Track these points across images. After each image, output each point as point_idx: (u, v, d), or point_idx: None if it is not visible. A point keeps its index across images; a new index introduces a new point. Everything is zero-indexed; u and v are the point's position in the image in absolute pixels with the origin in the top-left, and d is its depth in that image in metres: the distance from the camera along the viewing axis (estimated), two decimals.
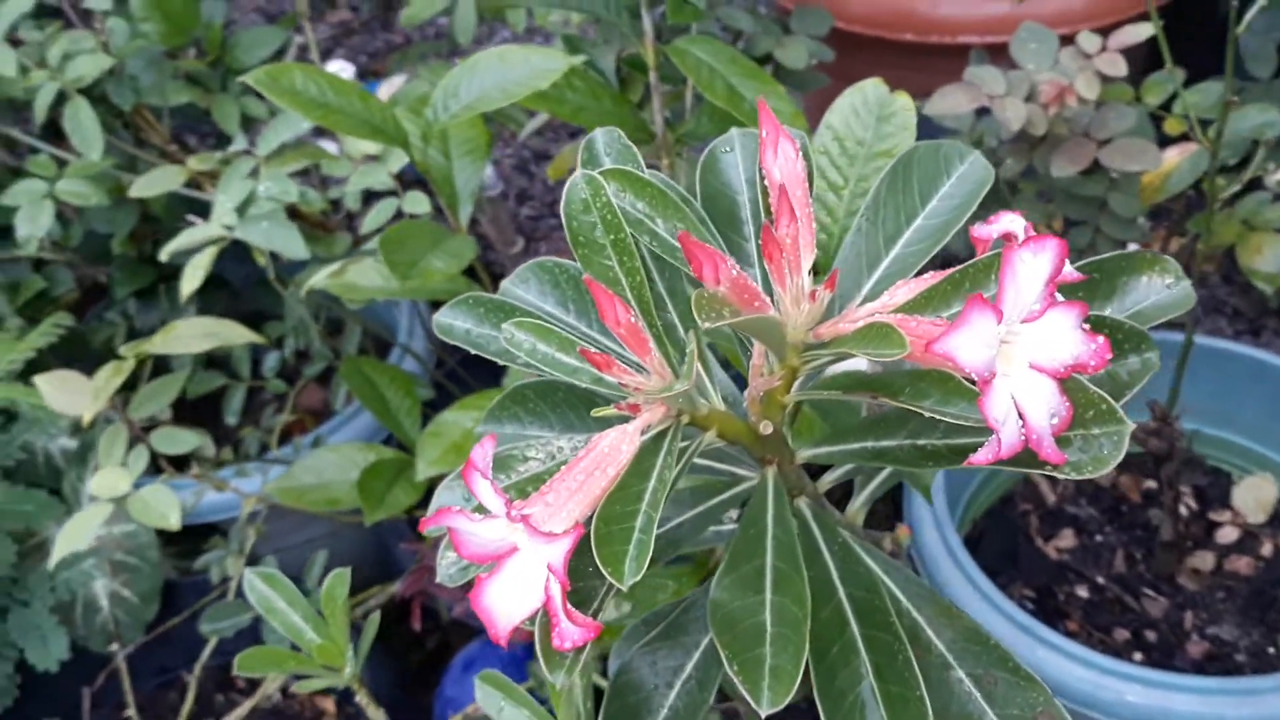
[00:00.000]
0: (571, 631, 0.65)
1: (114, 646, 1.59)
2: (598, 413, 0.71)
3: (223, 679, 1.67)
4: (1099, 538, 1.54)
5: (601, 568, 0.62)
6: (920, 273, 0.76)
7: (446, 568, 0.73)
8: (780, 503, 0.75)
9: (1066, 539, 1.54)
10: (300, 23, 1.77)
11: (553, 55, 1.09)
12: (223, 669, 1.66)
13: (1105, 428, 0.66)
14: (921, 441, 0.73)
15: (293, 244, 1.31)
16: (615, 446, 0.69)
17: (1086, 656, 1.25)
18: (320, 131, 1.67)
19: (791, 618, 0.67)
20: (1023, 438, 0.64)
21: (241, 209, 1.35)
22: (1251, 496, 1.61)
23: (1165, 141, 1.49)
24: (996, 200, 1.45)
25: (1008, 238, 0.73)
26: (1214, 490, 1.62)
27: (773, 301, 0.71)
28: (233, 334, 1.28)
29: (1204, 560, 1.61)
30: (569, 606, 0.65)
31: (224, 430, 1.76)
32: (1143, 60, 1.78)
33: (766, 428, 0.75)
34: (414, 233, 1.14)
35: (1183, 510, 1.57)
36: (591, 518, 0.66)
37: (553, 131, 2.60)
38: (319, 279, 1.28)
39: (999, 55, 1.53)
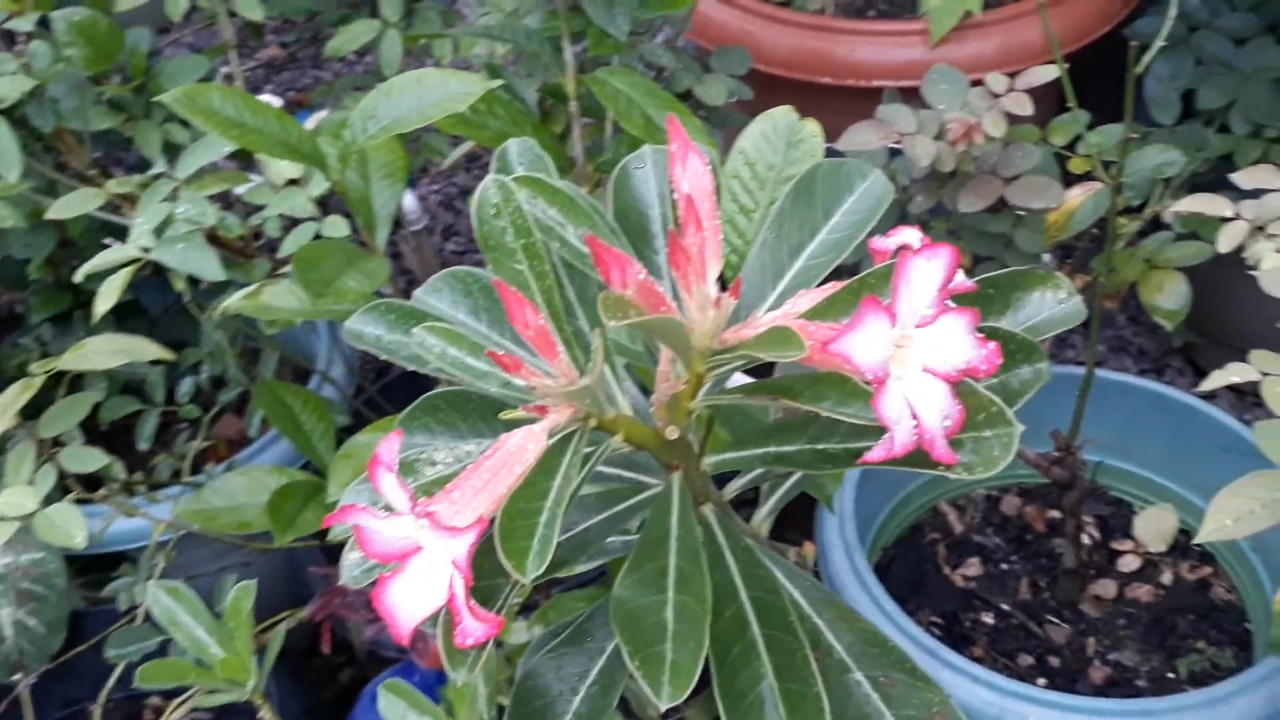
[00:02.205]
0: (474, 628, 0.66)
1: (17, 676, 1.56)
2: (506, 415, 0.72)
3: (131, 711, 1.64)
4: (1004, 566, 1.58)
5: (505, 561, 0.63)
6: (823, 283, 0.78)
7: (350, 568, 0.73)
8: (685, 506, 0.76)
9: (973, 567, 1.57)
10: (227, 54, 1.77)
11: (471, 79, 1.11)
12: (131, 700, 1.63)
13: (996, 429, 0.69)
14: (821, 445, 0.75)
15: (209, 267, 1.31)
16: (522, 446, 0.70)
17: (991, 680, 1.28)
18: (247, 165, 1.67)
19: (693, 615, 0.69)
20: (915, 437, 0.66)
21: (159, 231, 1.35)
22: (1152, 527, 1.65)
23: (1070, 180, 1.54)
24: (901, 220, 1.49)
25: (904, 248, 0.76)
26: (1116, 520, 1.66)
27: (679, 308, 0.73)
28: (144, 350, 1.28)
29: (1106, 588, 1.65)
30: (472, 602, 0.66)
31: (137, 458, 1.74)
32: (1053, 105, 1.83)
33: (673, 432, 0.77)
34: (329, 252, 1.15)
35: (1085, 539, 1.61)
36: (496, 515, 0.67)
37: (480, 169, 2.62)
38: (234, 301, 1.28)
39: (912, 97, 1.58)
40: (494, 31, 1.34)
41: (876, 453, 0.65)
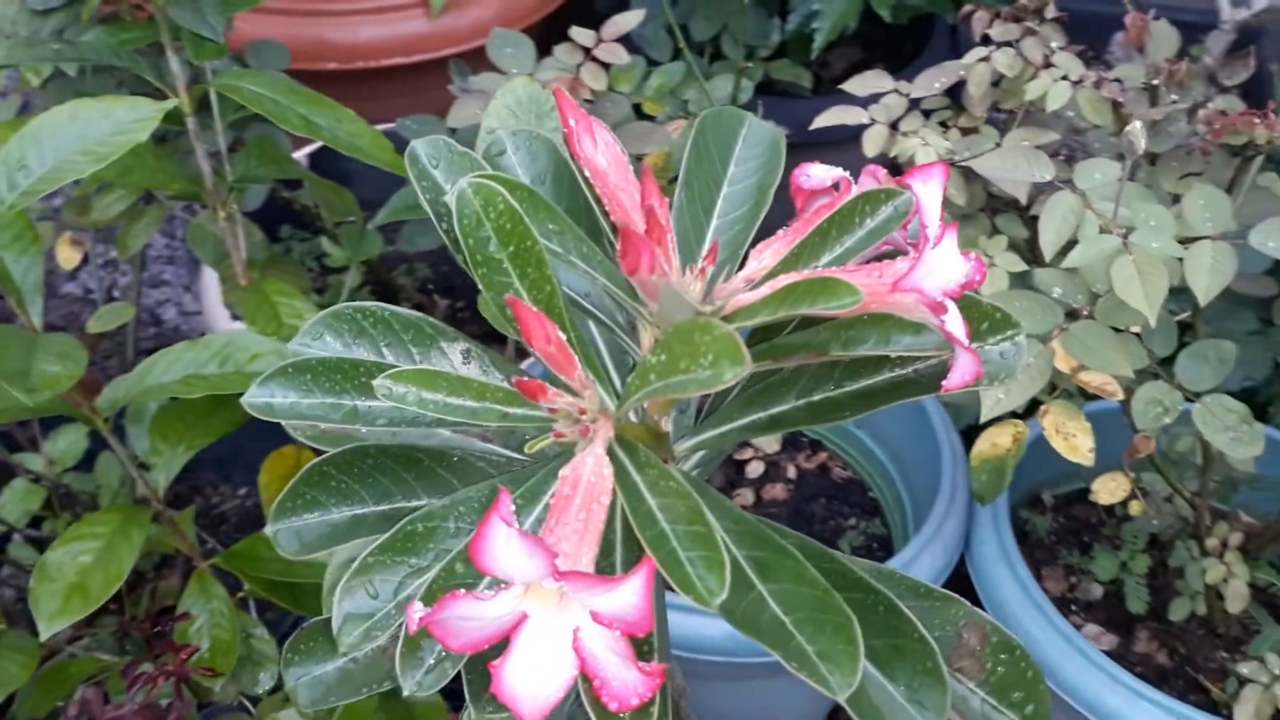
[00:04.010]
0: (633, 684, 0.57)
1: None
2: (533, 446, 0.63)
3: None
4: None
5: (684, 592, 0.55)
6: (758, 237, 0.75)
7: (420, 677, 0.60)
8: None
9: None
10: None
11: (139, 104, 0.93)
12: None
13: (1003, 334, 0.70)
14: (817, 397, 0.72)
15: None
16: (598, 474, 0.61)
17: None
18: None
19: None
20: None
21: None
22: None
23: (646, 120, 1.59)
24: None
25: (842, 183, 0.74)
26: None
27: None
28: None
29: (744, 497, 1.76)
30: (629, 655, 0.57)
31: None
32: None
33: (667, 425, 0.71)
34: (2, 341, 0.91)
35: None
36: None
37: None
38: None
39: (481, 65, 1.55)
40: (65, 53, 1.12)
41: (957, 378, 0.65)
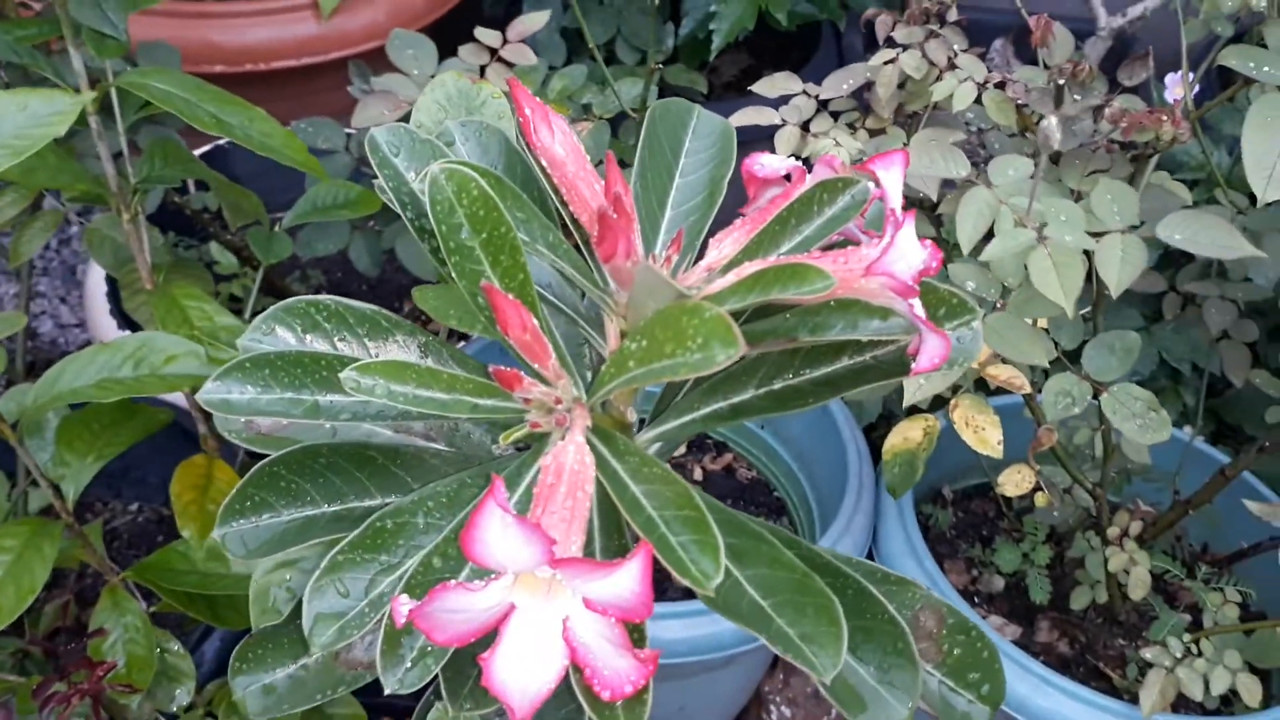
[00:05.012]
0: (625, 672, 0.56)
1: None
2: (509, 436, 0.62)
3: None
4: None
5: (680, 576, 0.55)
6: (716, 225, 0.75)
7: (401, 674, 0.59)
8: None
9: None
10: None
11: (57, 96, 0.88)
12: None
13: (960, 319, 0.71)
14: (777, 386, 0.73)
15: None
16: (580, 461, 0.61)
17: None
18: None
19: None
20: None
21: None
22: None
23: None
24: None
25: (795, 173, 0.75)
26: None
27: None
28: None
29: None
30: (625, 642, 0.56)
31: None
32: None
33: (631, 415, 0.71)
34: None
35: None
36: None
37: None
38: None
39: (382, 66, 1.52)
40: None
41: (926, 361, 0.65)
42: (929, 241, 0.69)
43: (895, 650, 0.68)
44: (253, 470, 0.72)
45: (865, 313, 0.66)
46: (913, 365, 0.66)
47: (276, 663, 0.75)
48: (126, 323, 1.55)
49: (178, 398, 1.36)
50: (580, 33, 1.99)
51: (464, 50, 1.46)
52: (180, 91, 1.08)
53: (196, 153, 1.70)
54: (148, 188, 1.16)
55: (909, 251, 0.64)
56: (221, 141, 1.76)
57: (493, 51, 1.45)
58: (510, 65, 1.45)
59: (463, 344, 1.53)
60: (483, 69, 1.44)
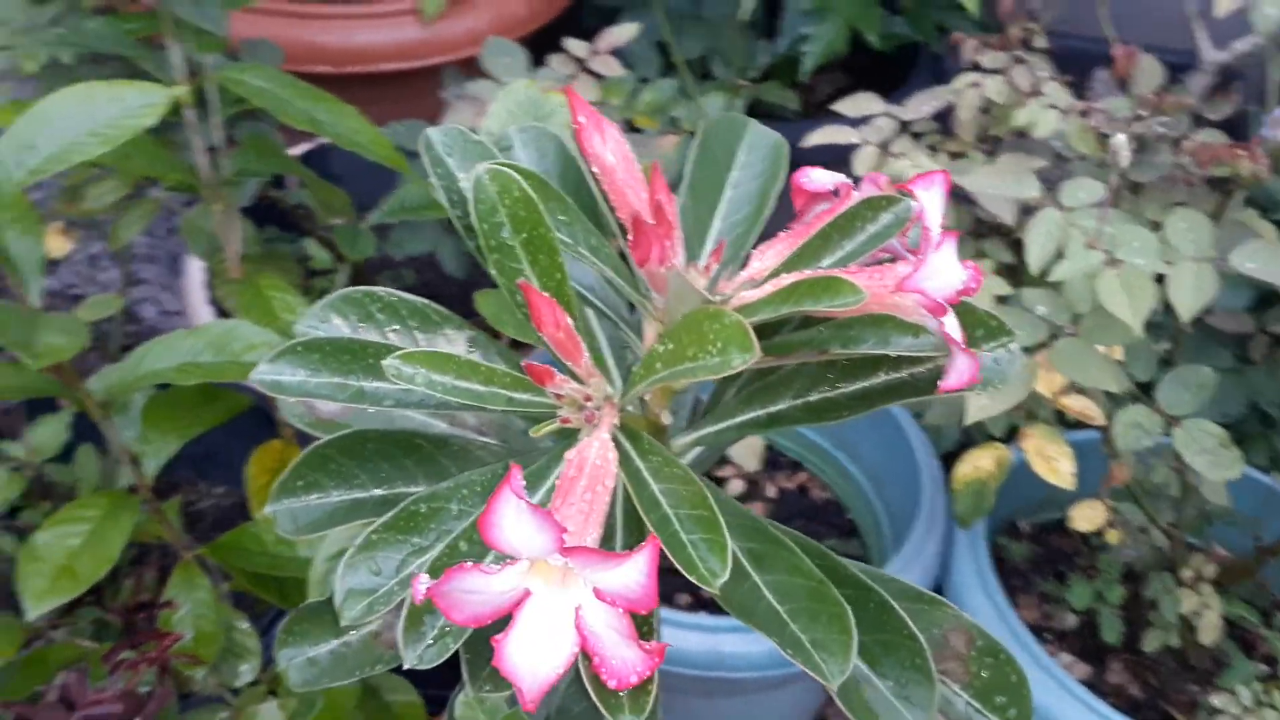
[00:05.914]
0: (632, 663, 0.58)
1: None
2: (540, 430, 0.64)
3: None
4: None
5: (687, 573, 0.56)
6: (761, 237, 0.76)
7: (421, 650, 0.61)
8: None
9: None
10: None
11: (149, 89, 0.93)
12: None
13: (998, 341, 0.72)
14: (814, 398, 0.74)
15: None
16: (603, 457, 0.62)
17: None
18: None
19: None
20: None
21: None
22: (744, 449, 1.78)
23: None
24: None
25: (842, 189, 0.76)
26: None
27: None
28: None
29: None
30: (631, 633, 0.57)
31: None
32: None
33: (666, 417, 0.72)
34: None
35: None
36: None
37: None
38: None
39: (475, 73, 1.56)
40: (68, 39, 1.13)
41: (954, 380, 0.66)
42: (970, 263, 0.70)
43: (913, 665, 0.68)
44: (305, 451, 0.75)
45: (898, 329, 0.67)
46: (939, 384, 0.66)
47: (320, 638, 0.77)
48: (221, 311, 1.61)
49: None
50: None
51: (553, 60, 1.49)
52: (273, 87, 1.13)
53: (297, 151, 1.76)
54: (239, 180, 1.21)
55: (945, 270, 0.65)
56: (322, 141, 1.82)
57: (580, 62, 1.48)
58: (599, 77, 1.48)
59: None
60: (571, 79, 1.47)
